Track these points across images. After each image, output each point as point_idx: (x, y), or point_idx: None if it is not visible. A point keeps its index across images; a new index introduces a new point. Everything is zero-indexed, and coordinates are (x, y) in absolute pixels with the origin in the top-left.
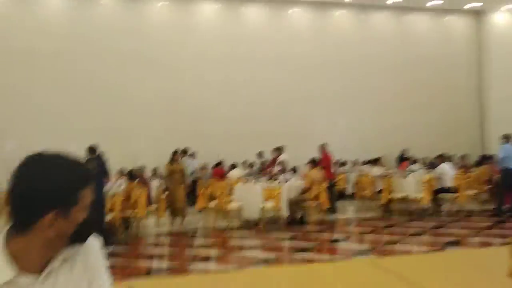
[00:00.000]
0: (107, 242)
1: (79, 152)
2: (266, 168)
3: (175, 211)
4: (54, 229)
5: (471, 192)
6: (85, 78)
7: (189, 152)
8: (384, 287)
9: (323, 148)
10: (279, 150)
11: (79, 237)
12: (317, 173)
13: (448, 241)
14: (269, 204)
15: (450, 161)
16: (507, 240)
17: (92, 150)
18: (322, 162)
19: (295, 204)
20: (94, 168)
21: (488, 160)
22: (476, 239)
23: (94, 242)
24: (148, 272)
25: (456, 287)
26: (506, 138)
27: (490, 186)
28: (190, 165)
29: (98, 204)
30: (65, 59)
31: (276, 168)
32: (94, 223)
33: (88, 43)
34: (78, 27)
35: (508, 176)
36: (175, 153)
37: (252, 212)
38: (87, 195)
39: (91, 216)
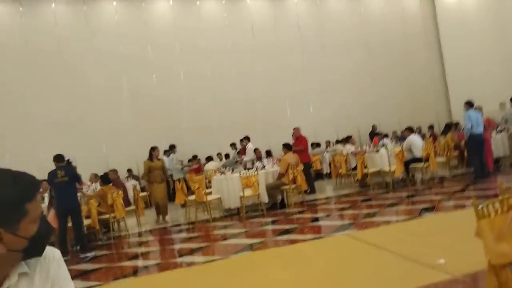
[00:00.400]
0: (87, 247)
1: (45, 158)
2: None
3: (157, 209)
4: (3, 245)
5: (440, 159)
6: (49, 85)
7: (165, 149)
8: (365, 258)
9: (297, 131)
10: (246, 139)
11: (34, 250)
12: (292, 157)
13: (423, 207)
14: (248, 192)
15: (418, 132)
16: (472, 202)
17: (59, 158)
18: (299, 144)
19: (273, 189)
20: (63, 176)
21: (453, 127)
22: (450, 203)
23: (53, 253)
24: (135, 272)
25: (432, 250)
26: (469, 104)
27: (457, 151)
28: (173, 160)
29: (74, 211)
30: (26, 68)
31: (247, 157)
32: (48, 234)
33: (48, 49)
34: (28, 28)
35: (476, 142)
36: (153, 149)
37: (232, 201)
38: (35, 207)
39: (43, 227)
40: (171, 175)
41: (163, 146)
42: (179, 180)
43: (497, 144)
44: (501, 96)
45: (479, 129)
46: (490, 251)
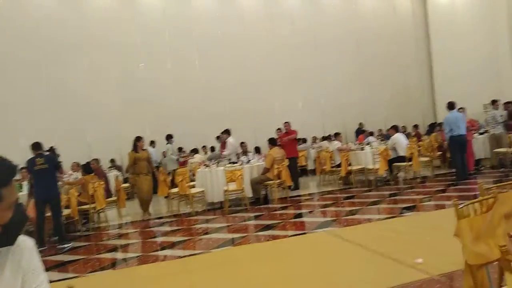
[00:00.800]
0: (65, 238)
1: (26, 145)
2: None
3: (142, 203)
4: None
5: (423, 159)
6: (33, 73)
7: (151, 139)
8: (345, 255)
9: (288, 125)
10: (226, 133)
11: (7, 238)
12: (277, 152)
13: (405, 206)
14: (232, 186)
15: (403, 131)
16: (453, 202)
17: (36, 146)
18: (290, 134)
19: (257, 183)
20: (42, 163)
21: (437, 127)
22: (431, 203)
23: (26, 242)
24: (114, 264)
25: (411, 248)
26: (449, 106)
27: (440, 152)
28: (169, 150)
29: (54, 200)
30: (6, 53)
31: (226, 151)
32: (22, 222)
33: (33, 36)
34: (10, 10)
35: (458, 143)
36: (138, 139)
37: (216, 195)
38: (10, 193)
39: (17, 215)
40: (157, 167)
41: (148, 137)
42: (173, 171)
43: (479, 145)
44: (487, 98)
45: (460, 131)
46: (468, 251)
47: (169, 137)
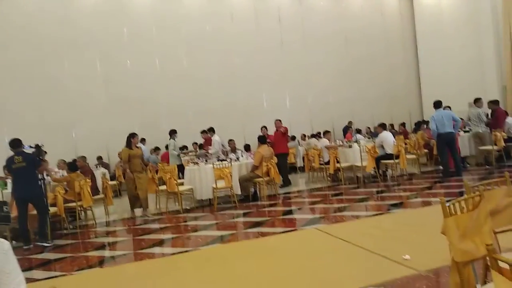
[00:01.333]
0: (46, 236)
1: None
2: (205, 149)
3: (137, 201)
4: None
5: (410, 156)
6: (19, 69)
7: (142, 137)
8: (333, 252)
9: (279, 123)
10: (211, 131)
11: None
12: (266, 149)
13: (392, 203)
14: (221, 184)
15: (391, 129)
16: (440, 200)
17: (15, 143)
18: (280, 128)
19: (246, 181)
20: (20, 161)
21: (423, 125)
22: (417, 200)
23: (2, 244)
24: (101, 262)
25: (398, 245)
26: (435, 105)
27: (427, 150)
28: (170, 145)
29: (35, 199)
30: None
31: (212, 150)
32: None
33: (20, 32)
34: (5, 16)
35: (443, 141)
36: (132, 136)
37: (205, 193)
38: None
39: None
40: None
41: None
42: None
43: (465, 143)
44: (472, 97)
45: (445, 129)
46: (454, 248)
47: (172, 133)
